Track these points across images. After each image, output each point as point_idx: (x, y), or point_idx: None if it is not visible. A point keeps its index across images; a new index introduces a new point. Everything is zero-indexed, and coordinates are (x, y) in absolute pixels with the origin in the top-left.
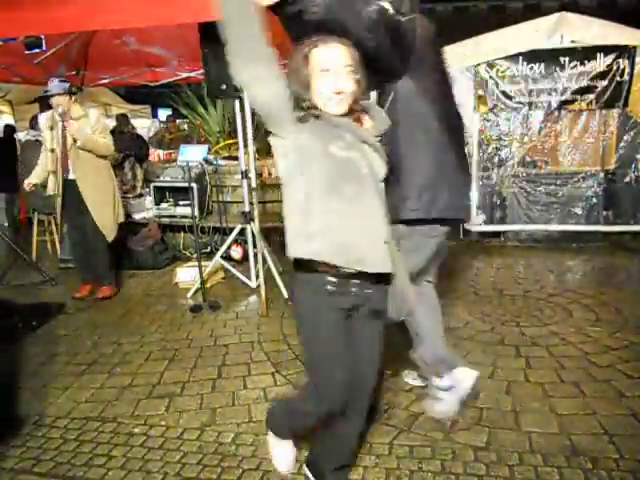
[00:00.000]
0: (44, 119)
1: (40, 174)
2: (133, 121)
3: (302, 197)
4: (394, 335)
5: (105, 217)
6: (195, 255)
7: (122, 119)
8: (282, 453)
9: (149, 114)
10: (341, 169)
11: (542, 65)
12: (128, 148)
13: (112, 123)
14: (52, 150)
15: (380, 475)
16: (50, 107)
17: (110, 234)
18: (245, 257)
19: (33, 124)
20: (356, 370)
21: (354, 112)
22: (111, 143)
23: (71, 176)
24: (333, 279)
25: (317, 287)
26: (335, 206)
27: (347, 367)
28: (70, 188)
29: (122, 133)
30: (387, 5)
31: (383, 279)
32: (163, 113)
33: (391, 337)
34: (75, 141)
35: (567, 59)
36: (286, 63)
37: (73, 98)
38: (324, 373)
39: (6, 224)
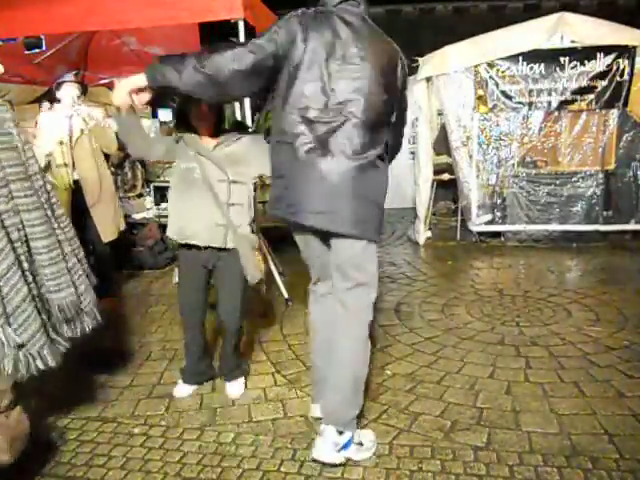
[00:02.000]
0: (47, 117)
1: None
2: None
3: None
4: (393, 337)
5: (104, 218)
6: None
7: None
8: None
9: (149, 114)
10: (182, 176)
11: (542, 65)
12: None
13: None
14: (61, 142)
15: (380, 475)
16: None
17: (107, 235)
18: None
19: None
20: (219, 300)
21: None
22: (115, 139)
23: (75, 176)
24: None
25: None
26: (176, 201)
27: (192, 296)
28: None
29: None
30: None
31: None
32: (163, 113)
33: (389, 340)
34: (82, 132)
35: (567, 59)
36: None
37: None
38: (180, 298)
39: None
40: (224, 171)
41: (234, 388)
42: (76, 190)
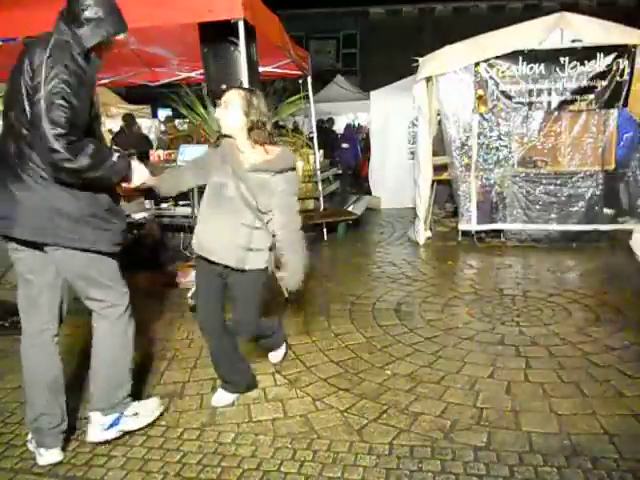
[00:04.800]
0: None
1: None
2: None
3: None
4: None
5: None
6: (195, 255)
7: (129, 119)
8: None
9: (149, 114)
10: (214, 189)
11: (542, 65)
12: (131, 147)
13: (117, 123)
14: None
15: (380, 475)
16: None
17: None
18: None
19: None
20: (234, 305)
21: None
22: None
23: None
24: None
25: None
26: (203, 211)
27: (209, 303)
28: None
29: (125, 133)
30: None
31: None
32: (163, 113)
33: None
34: None
35: (567, 59)
36: (286, 63)
37: None
38: (197, 306)
39: None
40: (255, 197)
41: (276, 355)
42: None
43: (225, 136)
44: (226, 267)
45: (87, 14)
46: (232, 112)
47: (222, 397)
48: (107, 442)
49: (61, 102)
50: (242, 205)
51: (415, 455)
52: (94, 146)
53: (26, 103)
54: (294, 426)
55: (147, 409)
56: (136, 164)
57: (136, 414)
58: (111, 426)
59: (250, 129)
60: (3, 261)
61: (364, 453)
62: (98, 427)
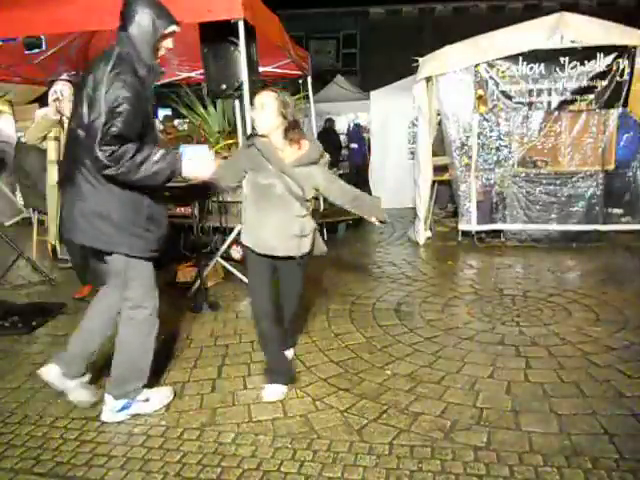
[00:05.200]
0: (44, 111)
1: None
2: None
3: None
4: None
5: None
6: (195, 255)
7: None
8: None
9: None
10: (261, 191)
11: (542, 65)
12: None
13: None
14: (55, 138)
15: (380, 475)
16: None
17: None
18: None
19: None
20: (283, 293)
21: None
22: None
23: None
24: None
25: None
26: (254, 213)
27: (265, 290)
28: None
29: None
30: None
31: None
32: (163, 113)
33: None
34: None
35: (567, 59)
36: (286, 63)
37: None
38: (253, 294)
39: (7, 224)
40: (303, 189)
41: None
42: None
43: (256, 136)
44: (284, 258)
45: (137, 18)
46: (269, 114)
47: (274, 390)
48: (107, 442)
49: (118, 118)
50: (292, 199)
51: (415, 455)
52: (134, 149)
53: (85, 112)
54: (294, 426)
55: (159, 396)
56: (194, 154)
57: (147, 399)
58: (122, 409)
59: (287, 129)
60: (3, 261)
61: (364, 453)
62: (110, 409)
